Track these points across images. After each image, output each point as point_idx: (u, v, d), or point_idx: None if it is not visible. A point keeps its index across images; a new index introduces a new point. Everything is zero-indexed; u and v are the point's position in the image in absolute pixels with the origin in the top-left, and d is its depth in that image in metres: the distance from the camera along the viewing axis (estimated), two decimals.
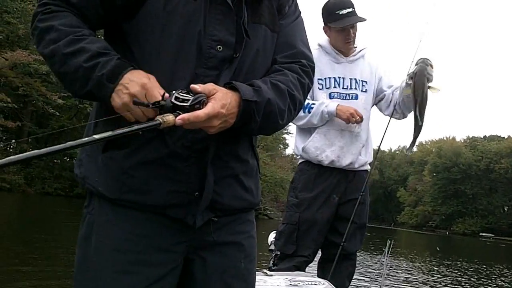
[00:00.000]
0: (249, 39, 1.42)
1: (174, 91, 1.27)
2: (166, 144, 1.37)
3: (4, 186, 29.00)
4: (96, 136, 1.14)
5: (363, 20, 3.43)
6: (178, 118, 1.23)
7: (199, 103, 1.26)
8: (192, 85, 1.28)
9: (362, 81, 3.56)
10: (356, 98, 3.52)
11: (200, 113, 1.25)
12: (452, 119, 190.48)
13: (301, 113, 3.34)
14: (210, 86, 1.30)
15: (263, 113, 1.38)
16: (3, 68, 25.90)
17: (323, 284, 2.76)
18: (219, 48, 1.38)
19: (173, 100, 1.26)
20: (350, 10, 3.38)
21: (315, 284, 2.71)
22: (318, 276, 3.38)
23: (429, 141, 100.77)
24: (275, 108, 1.40)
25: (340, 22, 3.38)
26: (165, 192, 1.38)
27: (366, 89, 3.57)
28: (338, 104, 3.40)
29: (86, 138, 1.13)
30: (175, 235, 1.43)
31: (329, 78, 3.50)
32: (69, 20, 1.35)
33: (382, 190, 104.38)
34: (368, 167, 3.66)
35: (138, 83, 1.27)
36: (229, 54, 1.40)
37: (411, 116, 3.57)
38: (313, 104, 3.41)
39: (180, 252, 1.44)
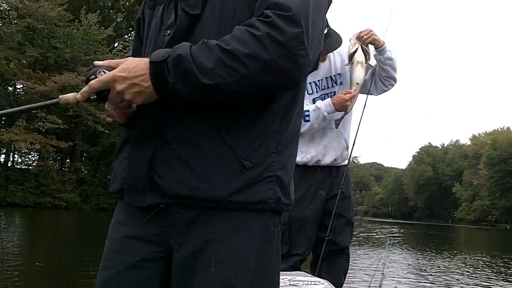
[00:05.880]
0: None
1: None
2: (129, 134, 1.47)
3: (61, 204, 30.17)
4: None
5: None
6: (78, 93, 1.32)
7: (94, 74, 1.31)
8: (95, 62, 1.37)
9: (336, 74, 3.61)
10: (334, 94, 3.58)
11: (93, 81, 1.31)
12: (506, 108, 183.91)
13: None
14: (120, 60, 1.35)
15: (178, 72, 1.26)
16: (53, 91, 26.94)
17: (323, 283, 2.76)
18: (168, 33, 1.42)
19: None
20: None
21: (315, 284, 2.74)
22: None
23: (483, 133, 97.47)
24: (190, 64, 1.25)
25: None
26: (121, 177, 1.46)
27: (341, 81, 3.62)
28: (329, 100, 3.48)
29: None
30: (146, 226, 1.41)
31: (310, 83, 3.54)
32: None
33: (436, 187, 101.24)
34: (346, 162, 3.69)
35: None
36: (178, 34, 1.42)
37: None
38: (307, 112, 3.44)
39: (155, 244, 1.41)
